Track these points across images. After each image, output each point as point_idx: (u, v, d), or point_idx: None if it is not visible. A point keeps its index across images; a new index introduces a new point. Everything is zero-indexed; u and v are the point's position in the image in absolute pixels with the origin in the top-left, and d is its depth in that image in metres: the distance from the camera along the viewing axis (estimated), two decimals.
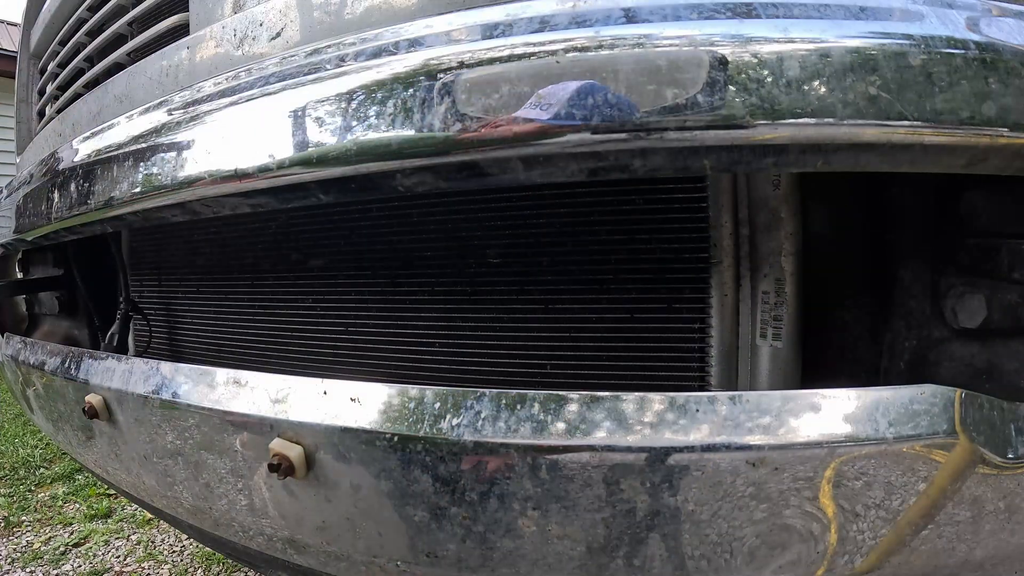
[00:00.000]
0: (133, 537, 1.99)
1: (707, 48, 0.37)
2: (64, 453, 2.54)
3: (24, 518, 2.12)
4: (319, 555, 0.52)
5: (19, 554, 1.88)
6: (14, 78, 1.15)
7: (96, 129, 0.60)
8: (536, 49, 0.39)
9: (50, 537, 1.99)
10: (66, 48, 0.91)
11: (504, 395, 0.42)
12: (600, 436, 0.40)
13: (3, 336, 0.97)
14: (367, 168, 0.42)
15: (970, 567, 0.45)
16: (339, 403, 0.45)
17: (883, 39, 0.37)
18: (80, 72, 0.88)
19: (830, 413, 0.39)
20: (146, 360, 0.58)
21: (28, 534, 2.01)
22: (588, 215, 0.59)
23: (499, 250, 0.62)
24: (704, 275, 0.56)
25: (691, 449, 0.39)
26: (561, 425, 0.40)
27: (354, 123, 0.42)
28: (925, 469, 0.39)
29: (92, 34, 0.86)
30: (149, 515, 2.09)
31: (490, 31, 0.42)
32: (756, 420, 0.39)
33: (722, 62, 0.37)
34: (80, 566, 1.81)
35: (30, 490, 2.35)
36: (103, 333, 1.02)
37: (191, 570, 1.79)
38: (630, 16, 0.40)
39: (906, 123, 0.36)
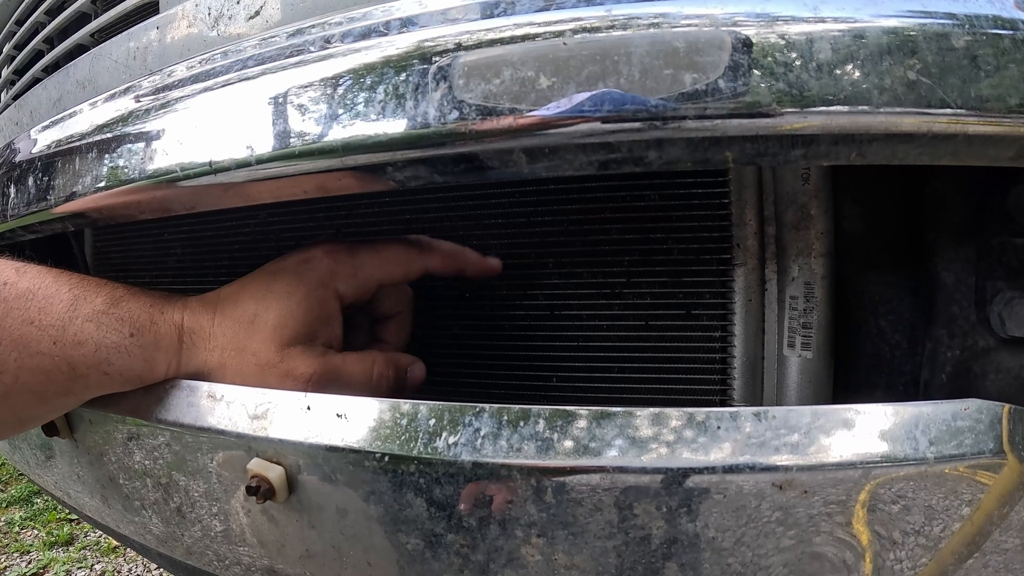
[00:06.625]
0: (97, 566, 1.99)
1: (729, 28, 0.37)
2: (21, 474, 2.55)
3: None
4: None
5: None
6: None
7: (56, 117, 0.60)
8: (541, 30, 0.39)
9: (5, 567, 2.00)
10: (23, 28, 0.91)
11: (506, 411, 0.42)
12: (611, 456, 0.40)
13: None
14: (354, 161, 0.42)
15: None
16: (324, 419, 0.45)
17: (923, 18, 0.37)
18: (39, 55, 0.88)
19: (865, 430, 0.39)
20: None
21: None
22: (598, 212, 0.59)
23: (500, 250, 0.62)
24: (726, 278, 0.56)
25: (712, 470, 0.39)
26: (568, 444, 0.40)
27: (340, 111, 0.42)
28: (969, 492, 0.39)
29: (52, 13, 0.86)
30: (115, 542, 2.09)
31: (490, 9, 0.42)
32: (783, 438, 0.39)
33: (746, 44, 0.37)
34: None
35: None
36: None
37: None
38: None
39: (948, 111, 0.36)
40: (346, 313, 0.57)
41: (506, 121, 0.38)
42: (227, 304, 0.54)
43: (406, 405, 0.44)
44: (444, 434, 0.42)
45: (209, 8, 0.56)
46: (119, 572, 1.95)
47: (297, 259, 0.56)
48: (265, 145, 0.44)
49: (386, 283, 0.58)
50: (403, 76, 0.41)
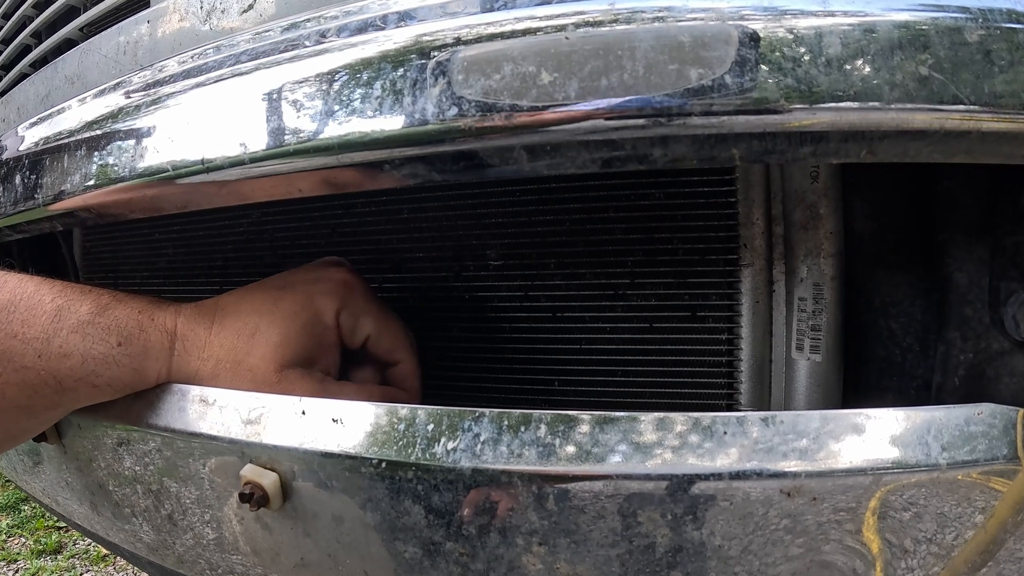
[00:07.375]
0: (87, 575, 1.99)
1: (736, 23, 0.37)
2: (8, 481, 2.55)
3: None
4: None
5: None
6: None
7: (44, 114, 0.60)
8: (543, 24, 0.39)
9: None
10: (10, 22, 0.91)
11: (506, 415, 0.42)
12: (615, 462, 0.40)
13: None
14: (351, 158, 0.42)
15: None
16: (319, 424, 0.45)
17: (935, 12, 0.37)
18: (26, 49, 0.88)
19: (875, 436, 0.39)
20: None
21: None
22: (602, 212, 0.59)
23: (500, 251, 0.62)
24: (733, 279, 0.56)
25: (718, 476, 0.39)
26: (571, 449, 0.40)
27: (336, 108, 0.42)
28: (983, 499, 0.39)
29: (40, 6, 0.86)
30: (104, 550, 2.09)
31: (490, 3, 0.42)
32: (791, 444, 0.39)
33: (753, 38, 0.37)
34: None
35: None
36: None
37: None
38: None
39: (961, 107, 0.36)
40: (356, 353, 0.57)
41: (507, 118, 0.38)
42: (227, 314, 0.53)
43: (404, 410, 0.44)
44: (443, 439, 0.42)
45: (201, 2, 0.56)
46: None
47: (309, 277, 0.55)
48: (259, 142, 0.44)
49: (371, 348, 0.57)
50: (401, 71, 0.41)
